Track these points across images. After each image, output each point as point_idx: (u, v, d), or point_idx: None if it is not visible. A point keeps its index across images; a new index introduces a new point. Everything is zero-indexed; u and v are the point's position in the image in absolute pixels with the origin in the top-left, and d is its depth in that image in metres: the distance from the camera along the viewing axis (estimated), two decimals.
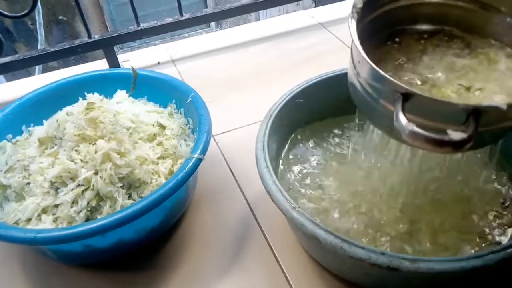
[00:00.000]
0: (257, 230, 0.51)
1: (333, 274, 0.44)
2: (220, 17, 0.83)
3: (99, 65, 0.83)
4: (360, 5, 0.38)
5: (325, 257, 0.43)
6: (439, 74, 0.40)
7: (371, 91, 0.36)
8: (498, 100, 0.35)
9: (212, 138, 0.63)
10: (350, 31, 0.36)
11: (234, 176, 0.58)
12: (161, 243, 0.49)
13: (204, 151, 0.46)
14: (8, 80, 1.10)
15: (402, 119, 0.30)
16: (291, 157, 0.51)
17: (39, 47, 1.45)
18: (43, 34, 1.52)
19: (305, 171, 0.50)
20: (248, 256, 0.48)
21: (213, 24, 2.30)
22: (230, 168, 0.59)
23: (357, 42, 0.35)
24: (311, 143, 0.53)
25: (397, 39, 0.44)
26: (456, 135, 0.29)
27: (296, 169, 0.50)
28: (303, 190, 0.48)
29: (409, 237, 0.42)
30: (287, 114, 0.50)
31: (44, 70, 1.36)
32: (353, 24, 0.36)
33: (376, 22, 0.42)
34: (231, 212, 0.53)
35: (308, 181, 0.49)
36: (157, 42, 1.99)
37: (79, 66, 0.85)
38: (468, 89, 0.39)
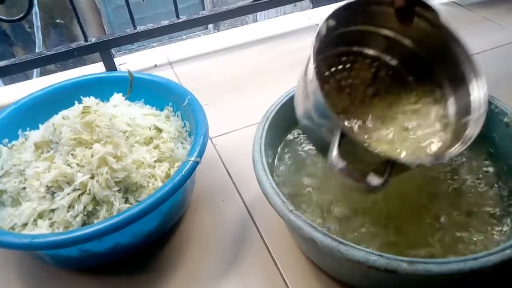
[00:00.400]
0: (255, 232, 0.50)
1: (330, 276, 0.44)
2: (216, 19, 0.83)
3: (96, 68, 0.82)
4: (324, 32, 0.41)
5: (323, 260, 0.42)
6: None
7: (316, 117, 0.39)
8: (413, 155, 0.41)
9: (209, 141, 0.63)
10: (311, 56, 0.39)
11: (231, 178, 0.57)
12: (158, 247, 0.49)
13: (201, 154, 0.45)
14: (6, 83, 1.10)
15: (335, 154, 0.34)
16: (288, 159, 0.51)
17: (36, 51, 1.45)
18: (41, 37, 1.52)
19: (302, 173, 0.49)
20: (246, 259, 0.48)
21: (210, 26, 2.30)
22: (227, 171, 0.59)
23: (314, 73, 0.38)
24: (307, 145, 0.53)
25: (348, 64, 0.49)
26: (373, 180, 0.34)
27: (292, 169, 0.50)
28: (301, 192, 0.47)
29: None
30: (284, 116, 0.50)
31: (42, 74, 1.36)
32: (314, 50, 0.39)
33: (336, 40, 0.45)
34: (229, 215, 0.53)
35: (305, 182, 0.48)
36: (154, 44, 1.99)
37: (76, 69, 0.85)
38: (406, 129, 0.46)
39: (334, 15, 0.41)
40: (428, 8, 0.42)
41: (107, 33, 2.07)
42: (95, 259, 0.46)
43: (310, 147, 0.52)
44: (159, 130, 0.52)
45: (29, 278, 0.47)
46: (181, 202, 0.50)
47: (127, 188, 0.45)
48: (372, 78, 0.49)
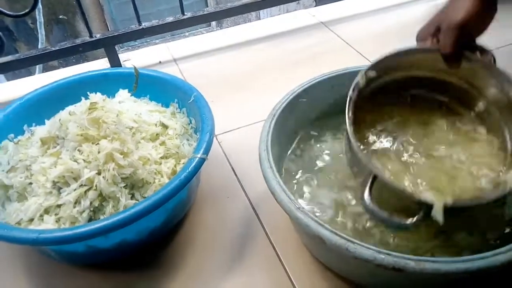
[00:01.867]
0: (259, 229, 0.50)
1: (335, 274, 0.44)
2: (221, 16, 0.83)
3: (100, 64, 0.82)
4: (362, 84, 0.42)
5: (329, 257, 0.42)
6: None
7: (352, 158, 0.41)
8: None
9: (214, 138, 0.63)
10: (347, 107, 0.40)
11: (236, 175, 0.57)
12: (164, 243, 0.49)
13: (207, 150, 0.45)
14: (8, 79, 1.10)
15: (367, 198, 0.37)
16: (294, 156, 0.51)
17: (39, 46, 1.45)
18: (44, 33, 1.51)
19: (308, 170, 0.49)
20: (251, 256, 0.48)
21: (213, 23, 2.30)
22: (232, 168, 0.59)
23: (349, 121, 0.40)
24: (313, 142, 0.53)
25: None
26: (406, 221, 0.36)
27: (299, 168, 0.50)
28: (307, 190, 0.47)
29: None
30: (290, 114, 0.50)
31: (45, 69, 1.36)
32: (350, 103, 0.41)
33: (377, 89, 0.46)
34: (234, 212, 0.53)
35: (311, 180, 0.48)
36: (157, 41, 1.99)
37: (80, 65, 0.85)
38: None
39: (374, 66, 0.42)
40: (482, 52, 0.42)
41: (109, 29, 2.07)
42: (100, 255, 0.46)
43: (316, 143, 0.52)
44: (165, 127, 0.52)
45: (35, 274, 0.47)
46: (186, 199, 0.50)
47: (133, 184, 0.45)
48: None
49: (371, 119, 0.46)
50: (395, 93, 0.47)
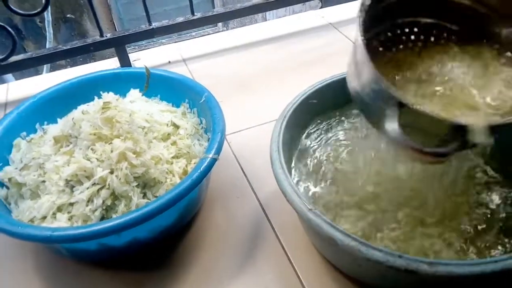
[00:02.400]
0: (269, 229, 0.51)
1: (345, 274, 0.44)
2: (231, 17, 0.83)
3: (110, 64, 0.83)
4: (368, 2, 0.38)
5: (339, 258, 0.43)
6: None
7: (370, 91, 0.37)
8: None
9: None
10: (357, 29, 0.36)
11: (246, 175, 0.58)
12: (174, 242, 0.49)
13: (218, 150, 0.46)
14: (17, 78, 1.11)
15: (397, 129, 0.33)
16: (304, 157, 0.51)
17: (47, 46, 1.46)
18: (52, 32, 1.52)
19: (319, 171, 0.50)
20: (261, 256, 0.48)
21: (220, 23, 2.30)
22: (242, 168, 0.59)
23: (363, 45, 0.35)
24: (324, 143, 0.53)
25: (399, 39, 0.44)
26: (446, 149, 0.32)
27: (310, 169, 0.50)
28: (318, 190, 0.47)
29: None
30: (300, 115, 0.50)
31: (52, 69, 1.37)
32: (360, 22, 0.37)
33: (380, 15, 0.42)
34: (243, 212, 0.53)
35: (322, 181, 0.48)
36: (163, 41, 1.99)
37: (90, 64, 0.85)
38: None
39: None
40: None
41: (117, 29, 2.08)
42: (112, 253, 0.46)
43: (327, 144, 0.52)
44: (176, 127, 0.52)
45: (45, 270, 0.48)
46: (197, 199, 0.50)
47: (145, 184, 0.45)
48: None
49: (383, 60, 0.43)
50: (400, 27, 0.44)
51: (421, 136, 0.34)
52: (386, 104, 0.34)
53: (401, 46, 0.44)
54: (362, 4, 0.38)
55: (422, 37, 0.45)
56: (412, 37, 0.45)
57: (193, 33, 2.10)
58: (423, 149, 0.32)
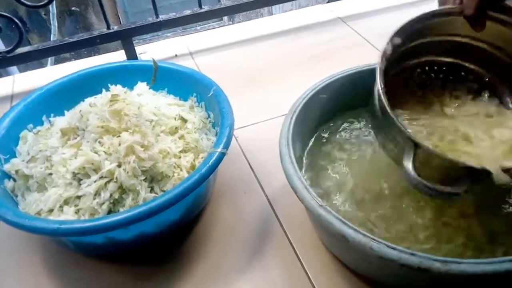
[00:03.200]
0: (276, 225, 0.50)
1: (354, 271, 0.44)
2: (238, 10, 0.82)
3: (116, 57, 0.82)
4: (389, 51, 0.40)
5: (349, 255, 0.42)
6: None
7: (388, 134, 0.39)
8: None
9: None
10: (377, 77, 0.39)
11: (253, 171, 0.57)
12: (181, 237, 0.49)
13: (227, 145, 0.45)
14: (21, 70, 1.11)
15: (412, 171, 0.35)
16: (314, 152, 0.51)
17: (52, 38, 1.45)
18: (56, 24, 1.52)
19: (328, 166, 0.49)
20: (268, 251, 0.47)
21: (225, 17, 2.28)
22: (249, 163, 0.58)
23: (382, 94, 0.37)
24: (333, 139, 0.52)
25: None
26: (457, 189, 0.34)
27: (320, 164, 0.49)
28: (328, 185, 0.47)
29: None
30: (310, 110, 0.49)
31: (56, 61, 1.36)
32: (380, 71, 0.39)
33: (403, 56, 0.44)
34: (250, 207, 0.52)
35: (332, 176, 0.48)
36: (169, 34, 1.98)
37: (96, 57, 0.85)
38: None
39: (399, 32, 0.41)
40: (503, 10, 0.40)
41: (122, 22, 2.07)
42: (118, 247, 0.46)
43: (337, 139, 0.52)
44: (184, 120, 0.51)
45: (52, 263, 0.48)
46: (204, 193, 0.50)
47: (152, 177, 0.45)
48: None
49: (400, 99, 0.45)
50: (420, 66, 0.46)
51: (435, 172, 0.36)
52: (399, 145, 0.37)
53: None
54: (384, 53, 0.40)
55: (441, 75, 0.47)
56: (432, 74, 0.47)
57: (198, 27, 2.09)
58: (440, 192, 0.34)
